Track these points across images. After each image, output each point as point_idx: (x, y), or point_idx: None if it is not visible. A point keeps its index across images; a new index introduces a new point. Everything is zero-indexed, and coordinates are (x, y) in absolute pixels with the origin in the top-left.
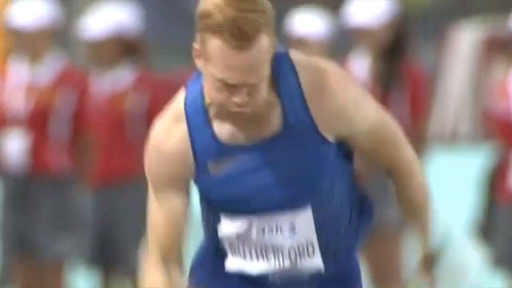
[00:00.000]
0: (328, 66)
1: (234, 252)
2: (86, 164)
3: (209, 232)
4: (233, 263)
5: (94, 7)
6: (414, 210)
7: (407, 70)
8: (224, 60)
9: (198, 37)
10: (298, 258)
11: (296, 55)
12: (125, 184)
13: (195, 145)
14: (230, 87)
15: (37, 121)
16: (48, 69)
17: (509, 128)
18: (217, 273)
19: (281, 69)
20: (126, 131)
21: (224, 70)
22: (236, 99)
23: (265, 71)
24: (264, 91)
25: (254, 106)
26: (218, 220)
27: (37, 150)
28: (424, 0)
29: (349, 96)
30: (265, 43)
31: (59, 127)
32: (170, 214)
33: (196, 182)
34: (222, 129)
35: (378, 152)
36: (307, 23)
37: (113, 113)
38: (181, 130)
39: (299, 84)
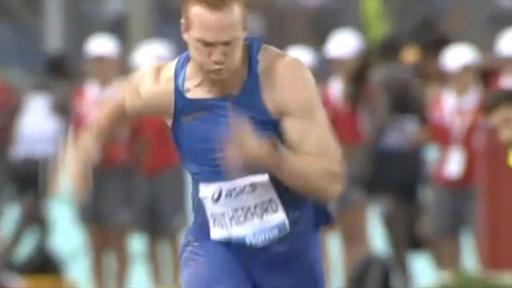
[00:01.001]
0: (287, 57)
1: (214, 223)
2: (141, 157)
3: (197, 206)
4: (216, 233)
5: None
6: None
7: (370, 90)
8: (202, 21)
9: (183, 13)
10: (264, 214)
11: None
12: (167, 172)
13: (176, 100)
14: (208, 46)
15: None
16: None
17: (443, 133)
18: (207, 238)
19: (253, 50)
20: (166, 132)
21: (202, 30)
22: (214, 57)
23: (237, 33)
24: (237, 55)
25: (228, 67)
26: (197, 186)
27: (107, 147)
28: (382, 35)
29: (297, 79)
30: (237, 10)
31: (123, 131)
32: (119, 115)
33: (172, 130)
34: (195, 89)
35: (293, 133)
36: (298, 56)
37: (158, 119)
38: (167, 87)
39: (257, 62)
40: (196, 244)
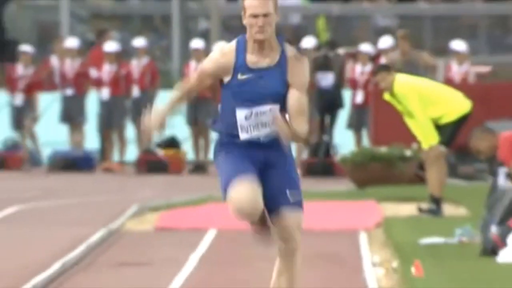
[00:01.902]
0: (299, 53)
1: (242, 131)
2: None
3: (228, 118)
4: (243, 136)
5: None
6: (297, 121)
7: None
8: (251, 5)
9: (242, 10)
10: (272, 126)
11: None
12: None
13: (236, 62)
14: (255, 18)
15: None
16: None
17: (354, 83)
18: (230, 145)
19: (280, 38)
20: None
21: (251, 9)
22: (259, 22)
23: (271, 11)
24: (272, 26)
25: (267, 33)
26: (234, 112)
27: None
28: (326, 39)
29: (304, 68)
30: (271, 2)
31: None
32: (203, 79)
33: (230, 82)
34: (250, 58)
35: (291, 97)
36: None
37: None
38: (232, 52)
39: (285, 49)
40: (223, 153)
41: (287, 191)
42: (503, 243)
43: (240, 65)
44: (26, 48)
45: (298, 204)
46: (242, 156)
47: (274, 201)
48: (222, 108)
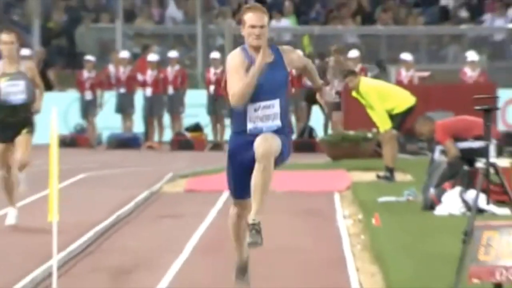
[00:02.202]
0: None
1: (250, 121)
2: None
3: (240, 116)
4: (250, 126)
5: None
6: (315, 80)
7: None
8: (250, 17)
9: (241, 21)
10: (274, 119)
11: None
12: None
13: (245, 59)
14: (253, 28)
15: None
16: None
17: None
18: (240, 134)
19: (272, 46)
20: None
21: (250, 20)
22: (256, 31)
23: (265, 23)
24: (265, 37)
25: (261, 41)
26: (246, 108)
27: None
28: (309, 52)
29: (296, 53)
30: (266, 15)
31: None
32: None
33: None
34: (252, 55)
35: (306, 69)
36: None
37: None
38: (240, 54)
39: (276, 48)
40: (228, 156)
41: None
42: (438, 201)
43: (248, 61)
44: (90, 58)
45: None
46: (241, 168)
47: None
48: (234, 110)
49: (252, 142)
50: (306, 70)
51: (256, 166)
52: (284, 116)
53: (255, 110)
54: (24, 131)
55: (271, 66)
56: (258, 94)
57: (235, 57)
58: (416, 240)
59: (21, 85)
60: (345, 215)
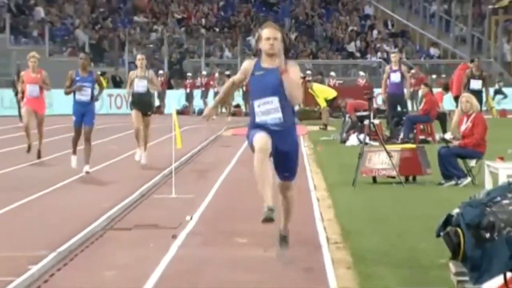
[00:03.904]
0: (294, 63)
1: (257, 115)
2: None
3: (252, 110)
4: (258, 120)
5: None
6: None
7: None
8: (266, 32)
9: (258, 39)
10: (274, 113)
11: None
12: None
13: (254, 66)
14: (267, 40)
15: None
16: None
17: None
18: (254, 126)
19: (283, 58)
20: None
21: (266, 34)
22: (270, 42)
23: (278, 37)
24: (278, 47)
25: (275, 50)
26: (254, 104)
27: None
28: None
29: (295, 68)
30: (279, 34)
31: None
32: (241, 77)
33: (250, 79)
34: (263, 63)
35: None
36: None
37: None
38: (251, 63)
39: (286, 61)
40: (250, 130)
41: (286, 173)
42: (347, 139)
43: (256, 68)
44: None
45: (289, 179)
46: (261, 128)
47: (278, 167)
48: (250, 105)
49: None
50: (294, 79)
51: (282, 196)
52: (286, 112)
53: (258, 106)
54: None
55: (275, 69)
56: (260, 91)
57: (244, 64)
58: (337, 155)
59: (145, 82)
60: (304, 145)
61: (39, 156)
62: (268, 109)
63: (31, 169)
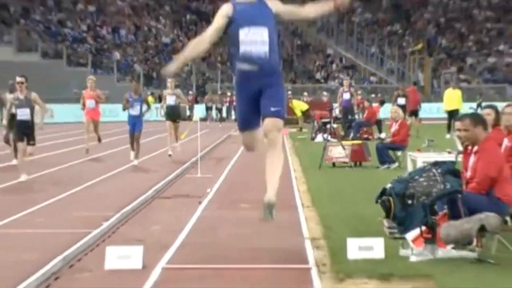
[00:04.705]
0: None
1: (242, 44)
2: None
3: (234, 50)
4: (243, 49)
5: None
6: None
7: None
8: None
9: None
10: (262, 45)
11: None
12: None
13: (234, 4)
14: None
15: None
16: None
17: None
18: (239, 83)
19: None
20: None
21: None
22: None
23: None
24: None
25: None
26: (238, 36)
27: None
28: None
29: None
30: None
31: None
32: (217, 26)
33: (233, 15)
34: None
35: (288, 11)
36: None
37: None
38: (229, 4)
39: None
40: (236, 92)
41: (271, 108)
42: (315, 137)
43: (237, 4)
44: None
45: (278, 114)
46: (246, 102)
47: (264, 111)
48: (230, 49)
49: (252, 77)
50: (293, 12)
51: (268, 145)
52: (272, 50)
53: (246, 35)
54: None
55: (257, 4)
56: (248, 20)
57: (222, 8)
58: (308, 148)
59: (174, 97)
60: (286, 142)
61: (99, 140)
62: (255, 39)
63: (92, 163)
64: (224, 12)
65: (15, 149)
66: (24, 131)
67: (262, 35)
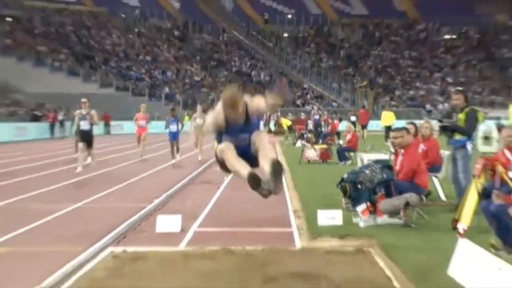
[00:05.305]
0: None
1: (225, 138)
2: None
3: (220, 136)
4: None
5: None
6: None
7: None
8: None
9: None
10: (244, 134)
11: None
12: None
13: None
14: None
15: None
16: None
17: None
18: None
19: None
20: None
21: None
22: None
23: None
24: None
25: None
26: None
27: None
28: None
29: (258, 99)
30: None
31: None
32: (216, 119)
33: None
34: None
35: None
36: None
37: None
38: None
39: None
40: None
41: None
42: (296, 143)
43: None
44: None
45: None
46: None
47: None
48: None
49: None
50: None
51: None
52: (253, 130)
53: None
54: None
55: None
56: (230, 136)
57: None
58: (291, 150)
59: (201, 121)
60: (276, 146)
61: (141, 155)
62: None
63: (140, 163)
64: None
65: (76, 145)
66: (85, 138)
67: (245, 140)
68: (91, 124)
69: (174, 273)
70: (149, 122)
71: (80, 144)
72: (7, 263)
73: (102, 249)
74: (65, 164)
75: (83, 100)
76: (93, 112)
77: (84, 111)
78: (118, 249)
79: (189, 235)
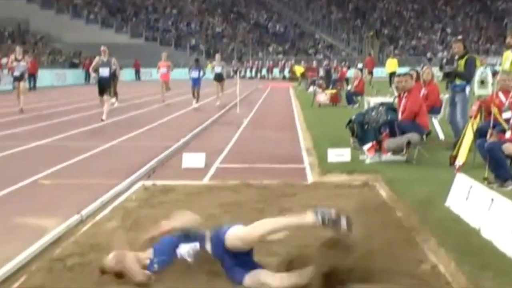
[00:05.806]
0: None
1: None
2: None
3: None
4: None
5: None
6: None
7: None
8: None
9: None
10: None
11: None
12: None
13: None
14: None
15: None
16: None
17: None
18: None
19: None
20: None
21: None
22: None
23: None
24: None
25: None
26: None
27: None
28: None
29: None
30: None
31: None
32: None
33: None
34: None
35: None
36: None
37: None
38: None
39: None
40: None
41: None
42: (309, 89)
43: None
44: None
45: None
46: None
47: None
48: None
49: None
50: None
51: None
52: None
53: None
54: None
55: None
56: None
57: None
58: (304, 95)
59: (220, 68)
60: (291, 91)
61: (163, 100)
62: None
63: (164, 107)
64: None
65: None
66: (102, 84)
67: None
68: (111, 71)
69: (199, 203)
70: (172, 69)
71: (100, 98)
72: (51, 193)
73: (134, 182)
74: (99, 107)
75: (103, 48)
76: (114, 59)
77: (104, 58)
78: (149, 183)
79: (212, 170)
